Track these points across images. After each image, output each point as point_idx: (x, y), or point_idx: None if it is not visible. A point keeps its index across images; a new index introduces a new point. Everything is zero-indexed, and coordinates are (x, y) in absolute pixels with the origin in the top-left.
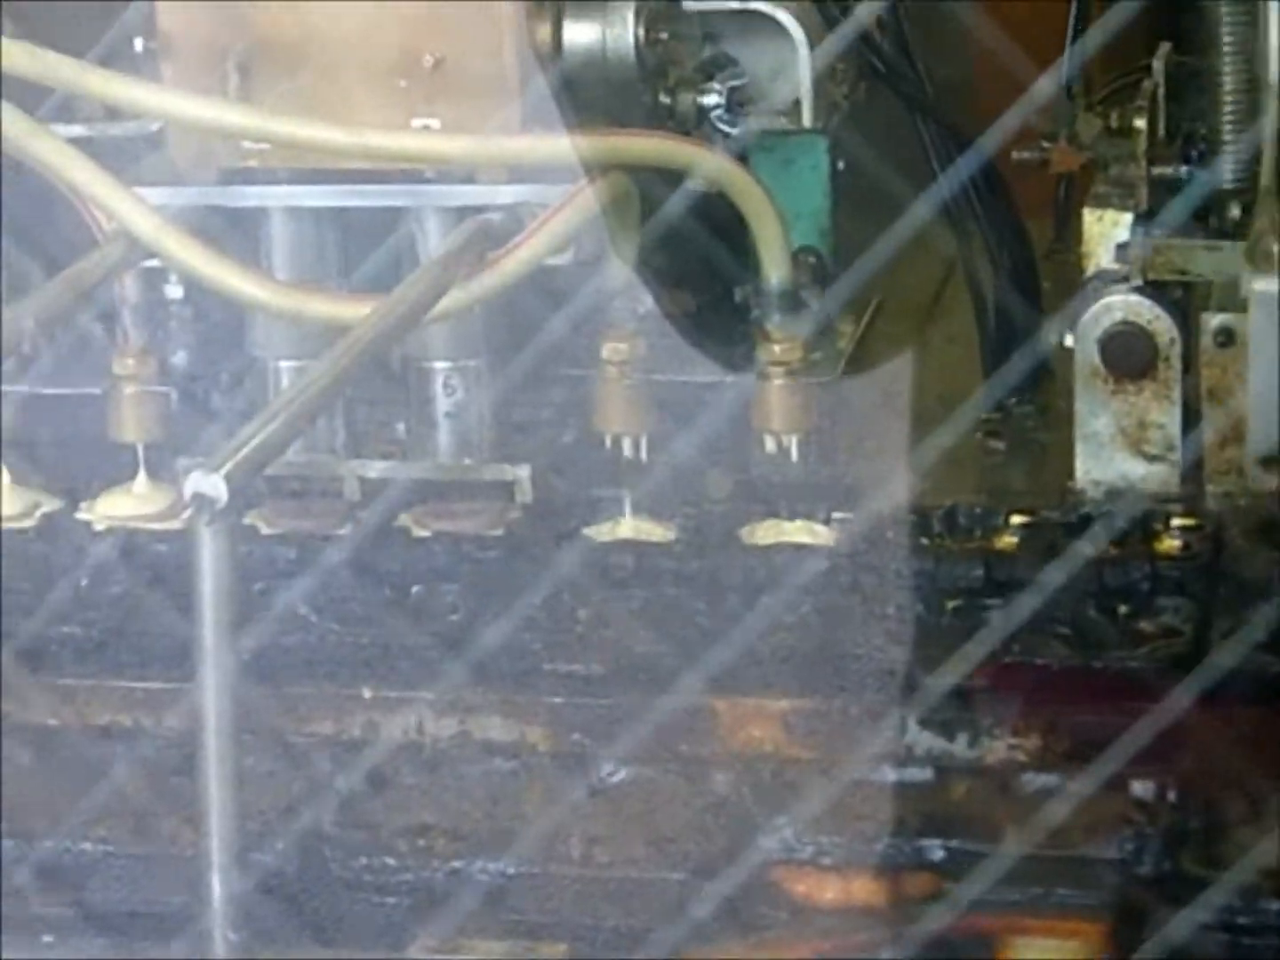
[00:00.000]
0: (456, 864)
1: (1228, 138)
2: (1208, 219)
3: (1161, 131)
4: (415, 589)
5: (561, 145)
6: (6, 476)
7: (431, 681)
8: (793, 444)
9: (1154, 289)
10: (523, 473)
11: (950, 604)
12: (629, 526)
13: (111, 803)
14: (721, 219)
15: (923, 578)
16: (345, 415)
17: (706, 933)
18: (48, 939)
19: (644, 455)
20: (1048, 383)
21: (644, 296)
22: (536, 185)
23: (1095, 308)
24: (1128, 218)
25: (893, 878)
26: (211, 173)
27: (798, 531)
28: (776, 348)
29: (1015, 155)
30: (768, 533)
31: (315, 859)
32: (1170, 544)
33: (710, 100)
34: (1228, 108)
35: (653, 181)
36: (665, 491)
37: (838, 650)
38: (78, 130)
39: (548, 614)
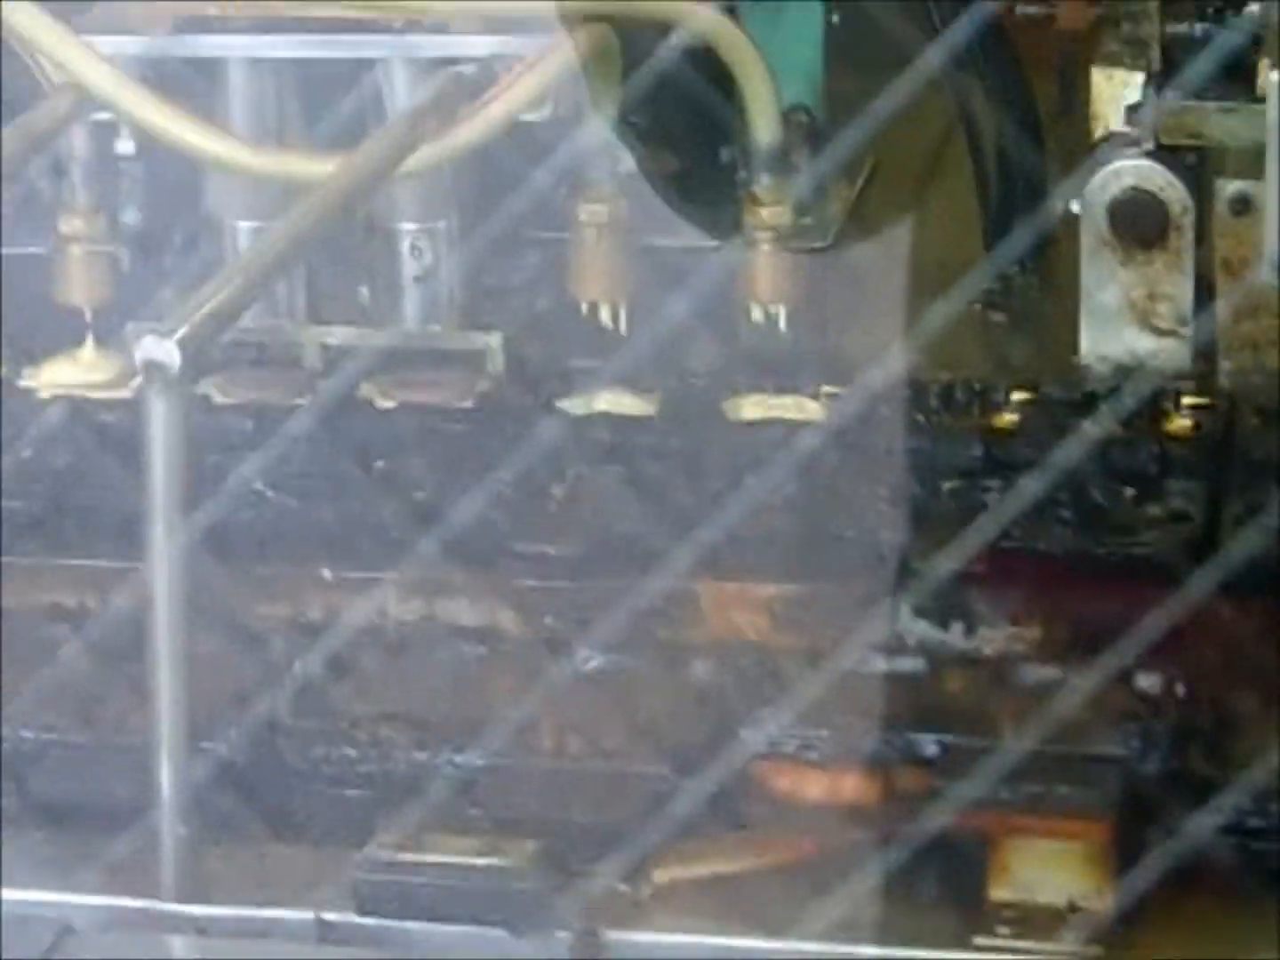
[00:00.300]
0: (420, 755)
1: None
2: (1226, 81)
3: None
4: (379, 463)
5: None
6: None
7: (396, 562)
8: (781, 314)
9: (1166, 154)
10: (493, 341)
11: (947, 485)
12: (606, 399)
13: (56, 688)
14: (708, 74)
15: (918, 457)
16: (306, 279)
17: (684, 830)
18: None
19: (623, 324)
20: (1052, 252)
21: (624, 156)
22: (512, 36)
23: (1103, 173)
24: (1139, 78)
25: (883, 774)
26: (166, 21)
27: (785, 407)
28: (764, 212)
29: (1020, 9)
30: (754, 408)
31: (270, 748)
32: (1180, 423)
33: None
34: None
35: (635, 34)
36: (645, 363)
37: (827, 534)
38: None
39: (519, 491)
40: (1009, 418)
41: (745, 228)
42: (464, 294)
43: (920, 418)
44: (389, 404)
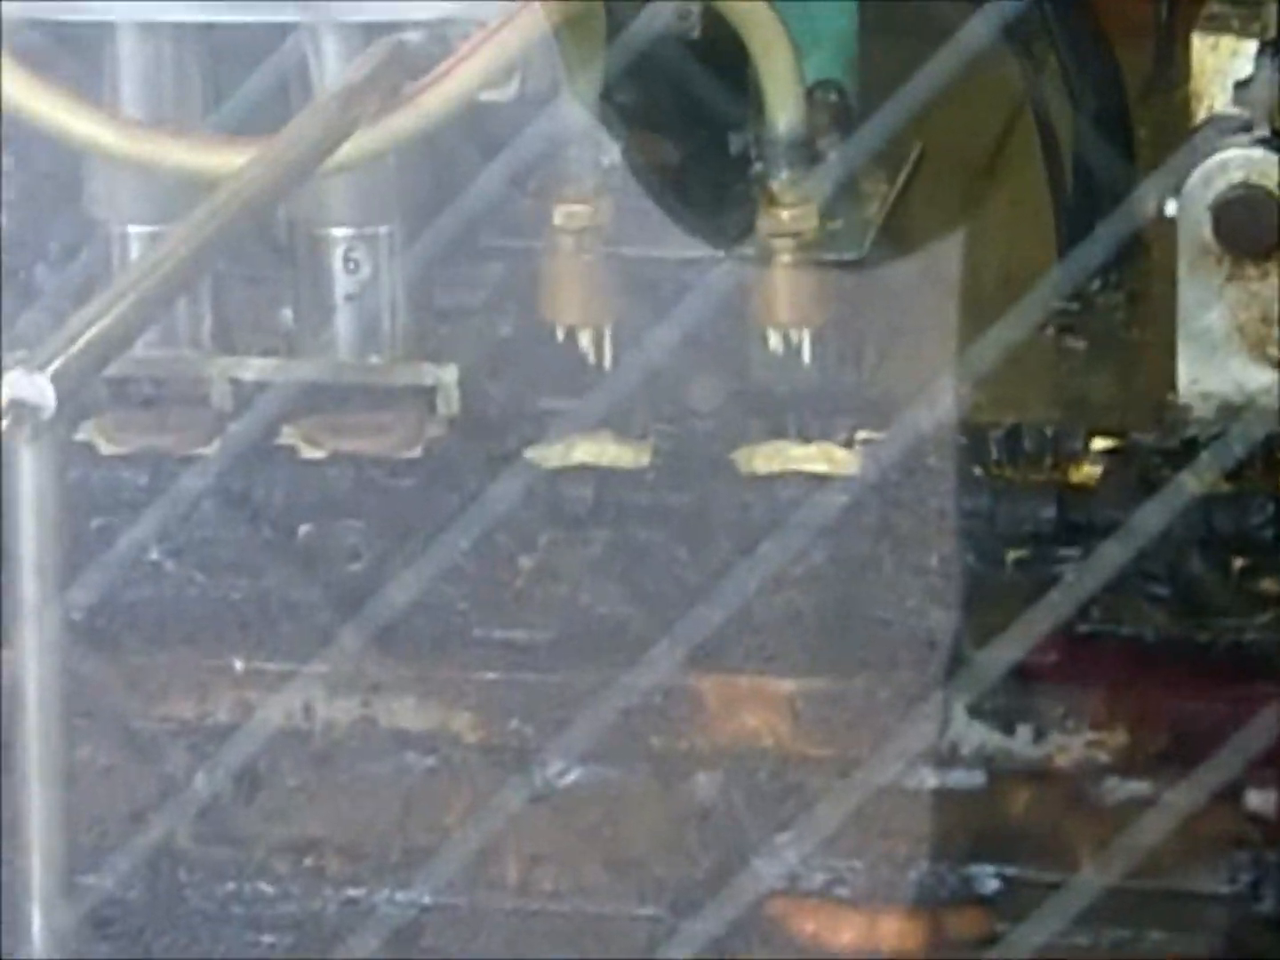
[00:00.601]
0: (355, 891)
1: None
2: None
3: None
4: (304, 528)
5: None
6: None
7: (325, 650)
8: (804, 341)
9: None
10: (447, 375)
11: (1012, 554)
12: (586, 448)
13: None
14: (713, 43)
15: (976, 519)
16: (213, 298)
17: None
18: None
19: (607, 354)
20: (1142, 263)
21: (609, 145)
22: None
23: (1206, 165)
24: (1251, 46)
25: (931, 915)
26: None
27: (810, 457)
28: (785, 214)
29: None
30: (770, 458)
31: (168, 883)
32: None
33: None
34: None
35: None
36: (635, 402)
37: (861, 614)
38: None
39: (478, 563)
40: (1088, 470)
41: (760, 234)
42: (411, 317)
43: (978, 470)
44: (317, 453)
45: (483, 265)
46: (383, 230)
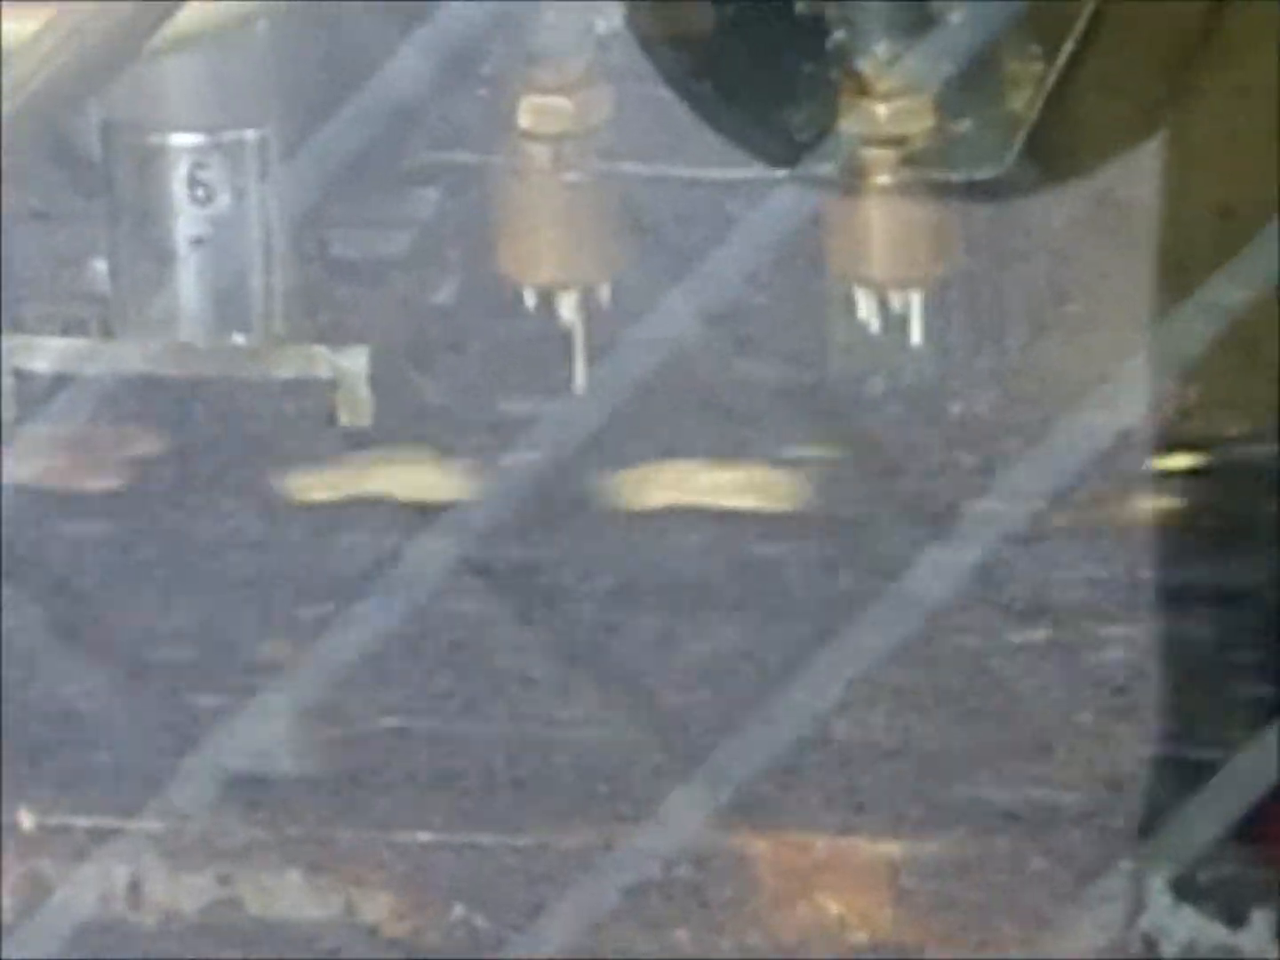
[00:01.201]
0: None
1: None
2: None
3: None
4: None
5: None
6: None
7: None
8: (913, 307)
9: None
10: (352, 364)
11: (1235, 645)
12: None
13: None
14: None
15: (1178, 584)
16: None
17: None
18: None
19: (599, 327)
20: None
21: (605, 5)
22: None
23: None
24: None
25: None
26: None
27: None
28: (882, 109)
29: None
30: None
31: None
32: None
33: None
34: None
35: None
36: (631, 401)
37: (1001, 737)
38: None
39: (390, 650)
40: None
41: (844, 141)
42: (296, 273)
43: (1185, 507)
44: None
45: (409, 194)
46: (249, 137)
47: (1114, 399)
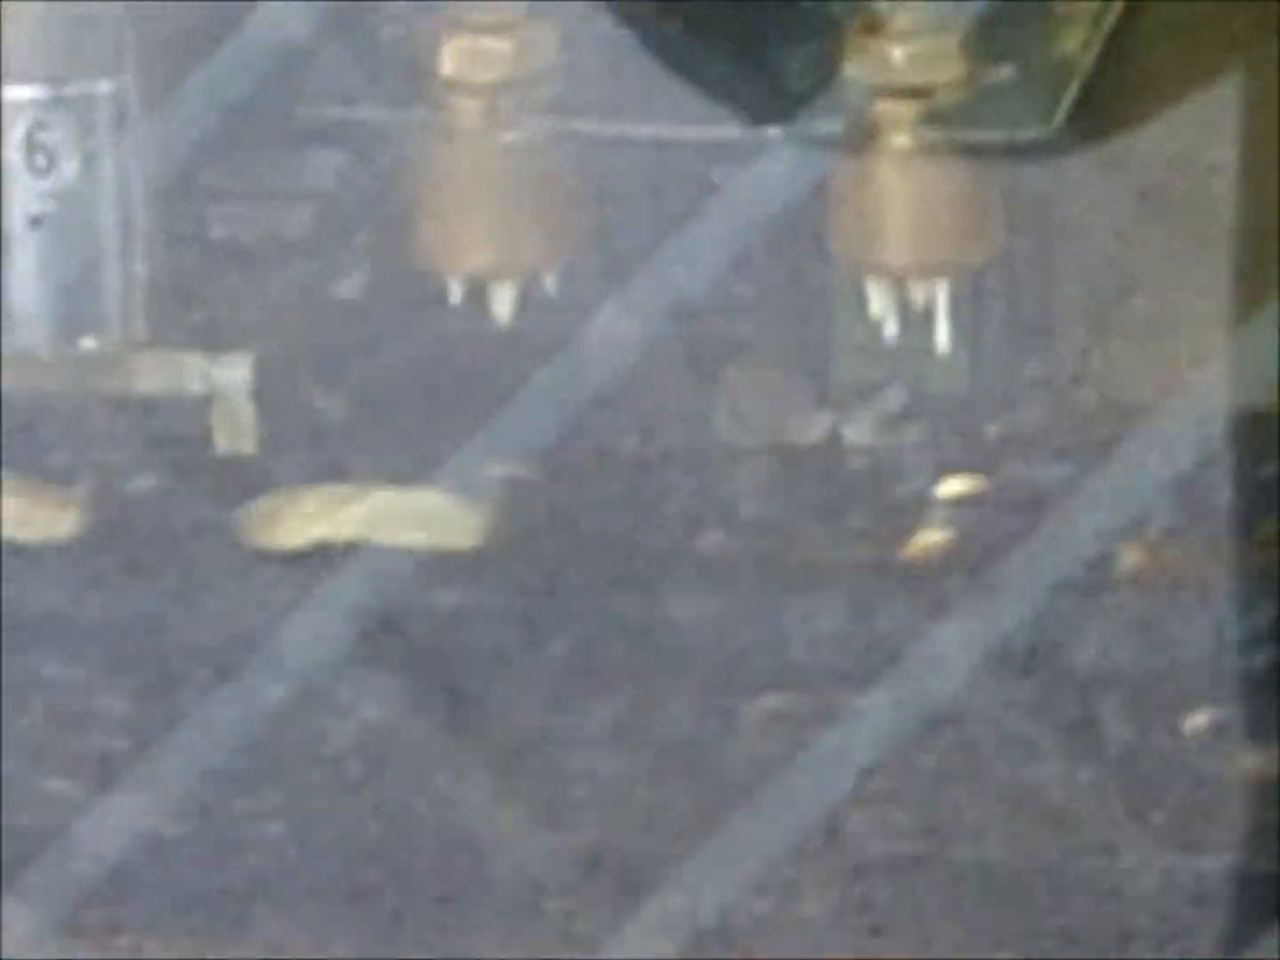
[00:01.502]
0: None
1: None
2: None
3: None
4: None
5: None
6: None
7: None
8: (939, 301)
9: None
10: (234, 373)
11: None
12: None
13: None
14: None
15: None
16: None
17: None
18: None
19: (541, 324)
20: None
21: None
22: None
23: None
24: None
25: None
26: None
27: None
28: (899, 53)
29: None
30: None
31: None
32: None
33: None
34: None
35: None
36: (592, 418)
37: (1080, 844)
38: None
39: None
40: None
41: (848, 93)
42: (162, 261)
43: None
44: None
45: (305, 159)
46: (101, 89)
47: (1166, 385)
